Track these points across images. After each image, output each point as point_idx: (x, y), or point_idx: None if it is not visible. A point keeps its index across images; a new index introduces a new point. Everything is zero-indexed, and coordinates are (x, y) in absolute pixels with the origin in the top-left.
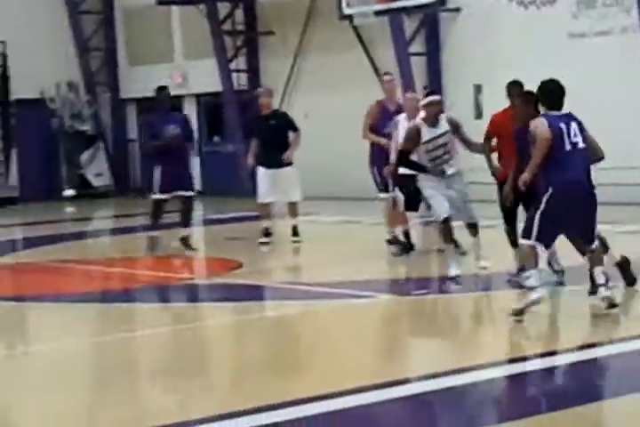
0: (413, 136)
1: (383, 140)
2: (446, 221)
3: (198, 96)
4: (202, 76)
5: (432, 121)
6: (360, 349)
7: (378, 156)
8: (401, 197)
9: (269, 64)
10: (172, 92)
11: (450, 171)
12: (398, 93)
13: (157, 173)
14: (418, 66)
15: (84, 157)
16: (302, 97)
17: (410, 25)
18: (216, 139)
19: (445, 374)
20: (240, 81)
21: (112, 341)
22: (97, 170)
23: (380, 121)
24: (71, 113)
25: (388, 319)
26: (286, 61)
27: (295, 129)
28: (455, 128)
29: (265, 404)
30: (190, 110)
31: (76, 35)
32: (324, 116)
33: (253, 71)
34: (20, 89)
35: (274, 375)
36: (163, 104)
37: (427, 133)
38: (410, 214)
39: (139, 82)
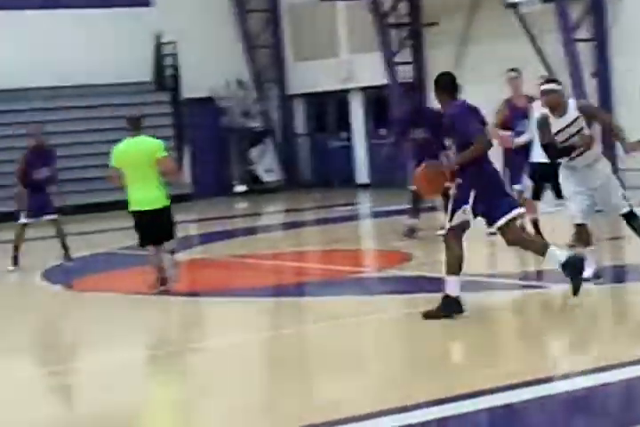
0: (542, 126)
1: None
2: (580, 225)
3: (364, 89)
4: (367, 70)
5: (555, 111)
6: (544, 340)
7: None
8: (529, 185)
9: (434, 55)
10: (338, 87)
11: (586, 161)
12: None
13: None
14: (584, 53)
15: (254, 153)
16: (468, 87)
17: (575, 11)
18: (382, 131)
19: None
20: (405, 73)
21: (286, 334)
22: (267, 166)
23: (510, 119)
24: (241, 110)
25: (565, 310)
26: (451, 52)
27: None
28: (589, 116)
29: (443, 397)
30: (356, 104)
31: (243, 33)
32: (489, 108)
33: (418, 63)
34: (191, 88)
35: (453, 368)
36: None
37: (554, 124)
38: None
39: (305, 77)
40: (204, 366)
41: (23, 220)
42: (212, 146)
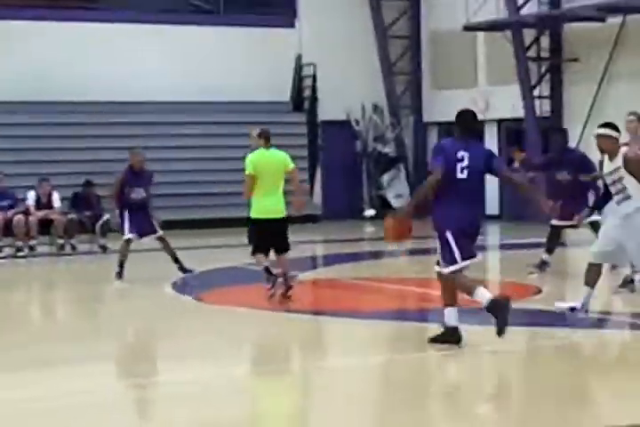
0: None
1: None
2: (592, 264)
3: (499, 121)
4: (504, 102)
5: (609, 154)
6: None
7: None
8: None
9: (573, 91)
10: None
11: (627, 210)
12: None
13: None
14: None
15: (385, 178)
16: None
17: None
18: (515, 165)
19: None
20: (543, 107)
21: (405, 359)
22: (397, 191)
23: None
24: (375, 135)
25: None
26: (590, 89)
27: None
28: (625, 164)
29: None
30: (491, 135)
31: (383, 58)
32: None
33: (556, 98)
34: (328, 110)
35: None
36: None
37: (605, 167)
38: None
39: (441, 106)
40: (319, 384)
41: (128, 235)
42: (344, 169)
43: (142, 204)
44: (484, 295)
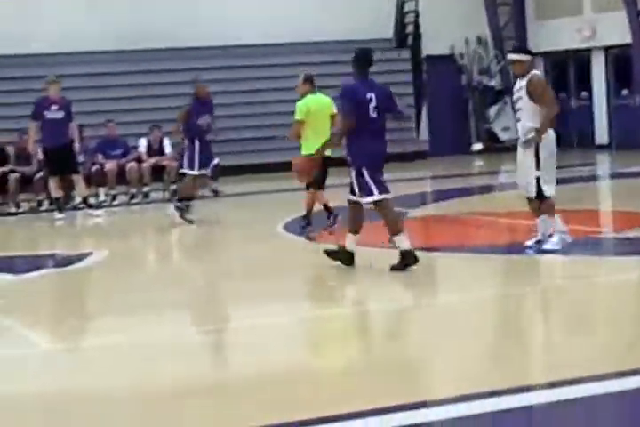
0: None
1: None
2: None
3: (606, 49)
4: (611, 29)
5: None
6: None
7: None
8: None
9: None
10: (580, 46)
11: (521, 132)
12: None
13: None
14: None
15: (492, 111)
16: None
17: None
18: (624, 92)
19: None
20: None
21: (518, 292)
22: (504, 124)
23: None
24: (479, 68)
25: None
26: None
27: None
28: (528, 84)
29: None
30: (598, 63)
31: None
32: None
33: None
34: (431, 45)
35: None
36: None
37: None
38: None
39: (546, 36)
40: (435, 321)
41: (194, 172)
42: (450, 104)
43: (208, 130)
44: (403, 242)
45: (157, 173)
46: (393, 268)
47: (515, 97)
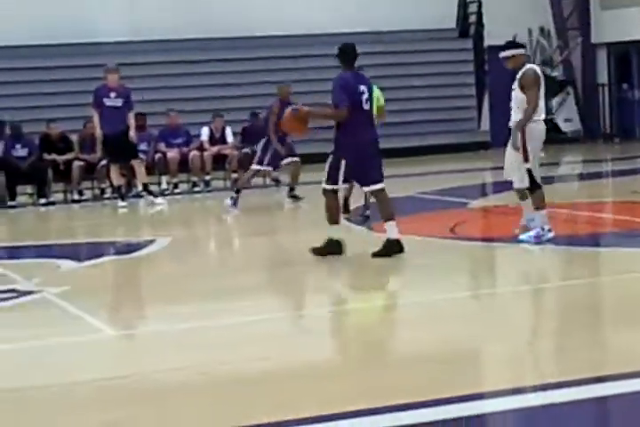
0: None
1: None
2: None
3: None
4: None
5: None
6: None
7: None
8: None
9: None
10: None
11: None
12: None
13: None
14: None
15: (554, 102)
16: None
17: None
18: None
19: None
20: None
21: (579, 284)
22: (566, 115)
23: None
24: (542, 58)
25: None
26: None
27: None
28: (521, 76)
29: None
30: None
31: None
32: None
33: None
34: (494, 35)
35: None
36: None
37: None
38: None
39: (610, 26)
40: (490, 311)
41: (259, 167)
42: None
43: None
44: (393, 230)
45: (219, 161)
46: (375, 254)
47: (513, 88)
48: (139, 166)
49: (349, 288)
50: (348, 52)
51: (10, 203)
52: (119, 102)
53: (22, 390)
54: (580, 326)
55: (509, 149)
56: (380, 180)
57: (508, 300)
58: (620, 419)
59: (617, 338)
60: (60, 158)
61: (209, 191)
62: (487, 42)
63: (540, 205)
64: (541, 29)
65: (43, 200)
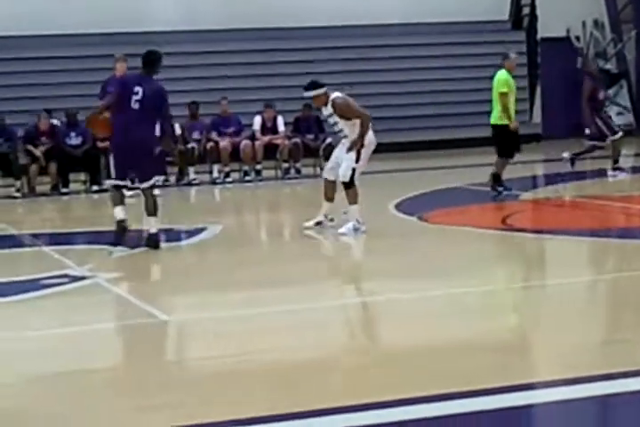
0: None
1: None
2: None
3: None
4: None
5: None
6: None
7: None
8: None
9: None
10: None
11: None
12: None
13: None
14: None
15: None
16: None
17: None
18: None
19: None
20: None
21: (627, 277)
22: (619, 108)
23: None
24: (596, 51)
25: None
26: None
27: None
28: (335, 109)
29: None
30: None
31: None
32: None
33: None
34: (547, 27)
35: None
36: None
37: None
38: None
39: None
40: (538, 302)
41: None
42: (564, 86)
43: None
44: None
45: (270, 151)
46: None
47: (331, 123)
48: None
49: (399, 277)
50: (146, 58)
51: (63, 190)
52: None
53: (78, 373)
54: (622, 319)
55: (339, 150)
56: (149, 178)
57: (563, 291)
58: None
59: None
60: None
61: (260, 180)
62: (540, 34)
63: (353, 201)
64: (595, 22)
65: (95, 187)
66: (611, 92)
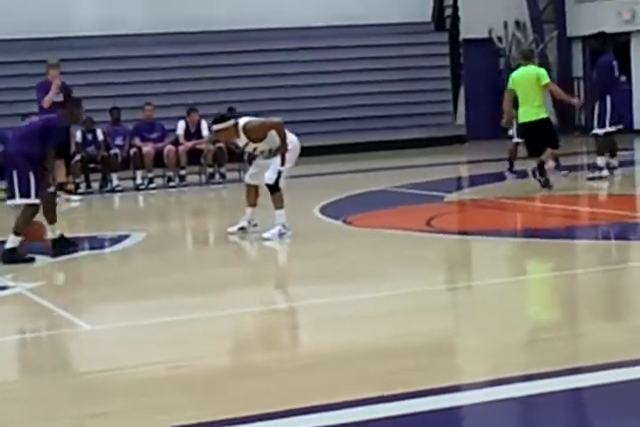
0: None
1: None
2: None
3: None
4: None
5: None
6: None
7: None
8: None
9: None
10: (620, 29)
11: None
12: None
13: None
14: None
15: None
16: None
17: None
18: None
19: None
20: None
21: (554, 276)
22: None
23: None
24: (518, 51)
25: None
26: None
27: None
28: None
29: None
30: (638, 47)
31: None
32: None
33: None
34: (469, 28)
35: None
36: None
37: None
38: None
39: (585, 19)
40: (463, 304)
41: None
42: (487, 87)
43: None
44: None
45: (195, 156)
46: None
47: (249, 150)
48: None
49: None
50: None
51: None
52: (60, 97)
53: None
54: (551, 316)
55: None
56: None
57: (488, 292)
58: None
59: (590, 331)
60: None
61: (184, 186)
62: (463, 35)
63: (279, 205)
64: (517, 22)
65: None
66: None
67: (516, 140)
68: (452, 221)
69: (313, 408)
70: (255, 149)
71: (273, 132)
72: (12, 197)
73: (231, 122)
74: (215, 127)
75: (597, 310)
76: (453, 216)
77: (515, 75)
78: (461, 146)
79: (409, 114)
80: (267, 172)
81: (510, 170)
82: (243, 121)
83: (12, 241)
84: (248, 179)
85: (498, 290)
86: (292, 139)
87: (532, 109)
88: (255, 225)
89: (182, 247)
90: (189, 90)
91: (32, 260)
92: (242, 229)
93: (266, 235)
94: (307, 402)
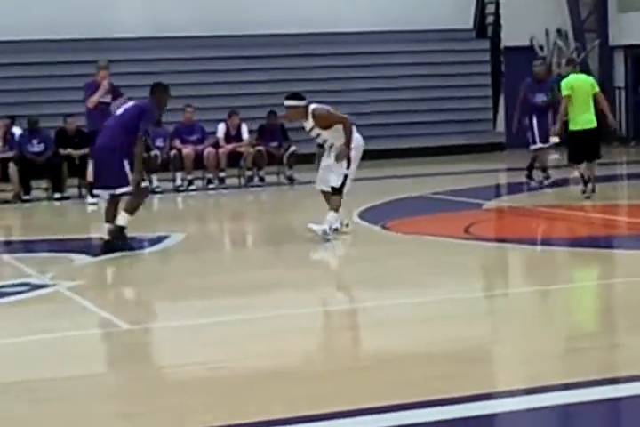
0: None
1: None
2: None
3: None
4: None
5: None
6: None
7: None
8: None
9: None
10: None
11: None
12: None
13: None
14: None
15: None
16: None
17: None
18: None
19: None
20: None
21: (590, 286)
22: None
23: None
24: (559, 60)
25: None
26: None
27: None
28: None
29: None
30: None
31: None
32: None
33: None
34: (511, 36)
35: None
36: None
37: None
38: None
39: (628, 29)
40: (501, 311)
41: (538, 145)
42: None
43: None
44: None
45: (234, 158)
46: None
47: (314, 136)
48: None
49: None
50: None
51: (25, 197)
52: (108, 98)
53: (35, 383)
54: (581, 324)
55: (327, 159)
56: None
57: (525, 300)
58: None
59: (619, 342)
60: (76, 153)
61: (223, 188)
62: (504, 43)
63: (335, 208)
64: (558, 31)
65: (57, 195)
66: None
67: (539, 145)
68: (490, 229)
69: (350, 412)
70: (319, 136)
71: (339, 127)
72: (109, 187)
73: (304, 102)
74: (288, 103)
75: (636, 320)
76: (491, 224)
77: (574, 81)
78: (501, 153)
79: (449, 120)
80: (331, 175)
81: (529, 177)
82: (312, 106)
83: (123, 218)
84: (318, 185)
85: (535, 298)
86: (355, 136)
87: (590, 117)
88: (347, 225)
89: (221, 249)
90: (230, 93)
91: (132, 248)
92: (335, 230)
93: (313, 226)
94: (345, 406)
